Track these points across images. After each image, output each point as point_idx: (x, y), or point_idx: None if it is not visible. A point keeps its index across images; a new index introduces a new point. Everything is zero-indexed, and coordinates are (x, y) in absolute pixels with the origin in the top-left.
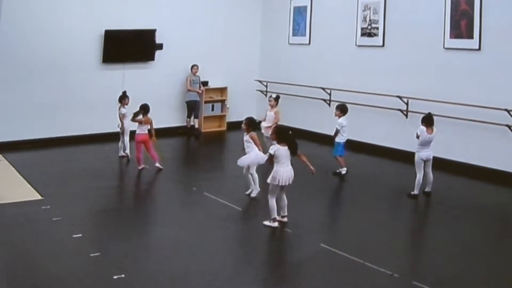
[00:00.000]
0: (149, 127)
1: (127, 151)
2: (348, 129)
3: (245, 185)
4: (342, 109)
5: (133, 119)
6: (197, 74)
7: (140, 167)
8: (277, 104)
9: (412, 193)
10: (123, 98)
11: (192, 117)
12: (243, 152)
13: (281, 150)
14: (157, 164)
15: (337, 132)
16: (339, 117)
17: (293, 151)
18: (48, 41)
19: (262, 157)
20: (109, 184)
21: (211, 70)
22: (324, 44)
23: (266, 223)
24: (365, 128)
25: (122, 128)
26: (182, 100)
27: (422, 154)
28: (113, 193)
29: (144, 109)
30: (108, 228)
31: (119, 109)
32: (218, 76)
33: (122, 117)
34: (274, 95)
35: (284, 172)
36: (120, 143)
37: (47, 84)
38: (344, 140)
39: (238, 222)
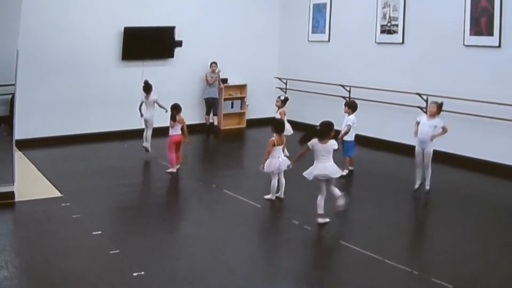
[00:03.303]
0: (181, 126)
1: (145, 144)
2: (368, 126)
3: (265, 181)
4: (352, 106)
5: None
6: (216, 71)
7: (172, 170)
8: (283, 105)
9: (427, 188)
10: (149, 88)
11: (211, 114)
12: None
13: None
14: (170, 170)
15: (349, 130)
16: (349, 114)
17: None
18: (68, 38)
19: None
20: (128, 182)
21: (231, 67)
22: (343, 41)
23: (320, 220)
24: (384, 125)
25: (164, 107)
26: (201, 97)
27: None
28: (132, 191)
29: (175, 109)
30: (128, 225)
31: (147, 98)
32: (237, 74)
33: (157, 101)
34: (282, 97)
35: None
36: (144, 133)
37: (66, 81)
38: (353, 139)
39: (258, 220)
